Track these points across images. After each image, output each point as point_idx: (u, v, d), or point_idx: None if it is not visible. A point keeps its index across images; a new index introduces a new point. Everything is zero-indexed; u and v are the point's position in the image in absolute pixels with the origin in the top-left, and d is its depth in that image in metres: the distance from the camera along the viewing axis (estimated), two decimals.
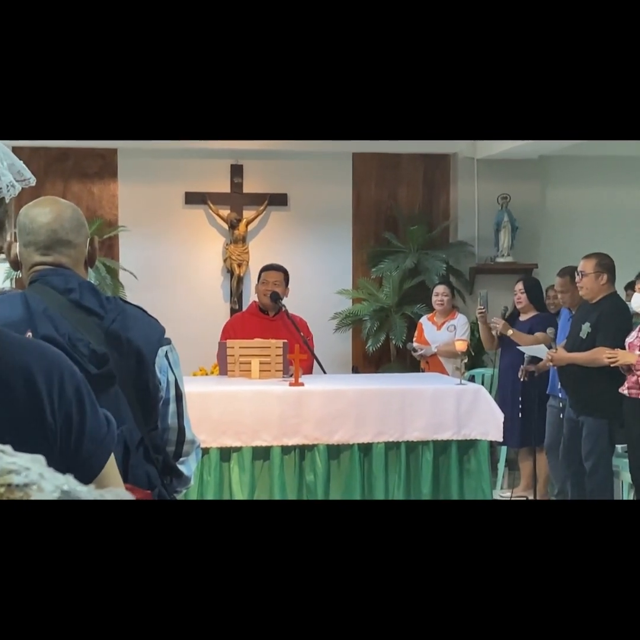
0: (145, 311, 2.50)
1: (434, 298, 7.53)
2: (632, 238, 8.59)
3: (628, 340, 5.52)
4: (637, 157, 8.63)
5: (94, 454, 1.56)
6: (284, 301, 6.26)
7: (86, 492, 0.87)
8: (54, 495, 0.84)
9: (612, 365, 5.49)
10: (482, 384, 7.03)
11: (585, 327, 5.80)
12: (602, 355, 5.58)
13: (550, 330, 6.42)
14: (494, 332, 6.90)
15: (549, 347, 6.26)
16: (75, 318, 2.30)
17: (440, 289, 7.55)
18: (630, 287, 6.20)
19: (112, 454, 1.62)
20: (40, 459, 0.91)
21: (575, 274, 5.93)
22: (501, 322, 6.77)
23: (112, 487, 1.53)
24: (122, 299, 2.54)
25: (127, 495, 0.98)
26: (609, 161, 8.68)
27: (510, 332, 6.67)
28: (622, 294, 6.49)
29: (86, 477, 1.53)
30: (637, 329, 5.54)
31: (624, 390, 5.46)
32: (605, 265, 5.82)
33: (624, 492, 6.05)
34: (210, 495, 5.14)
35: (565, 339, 6.15)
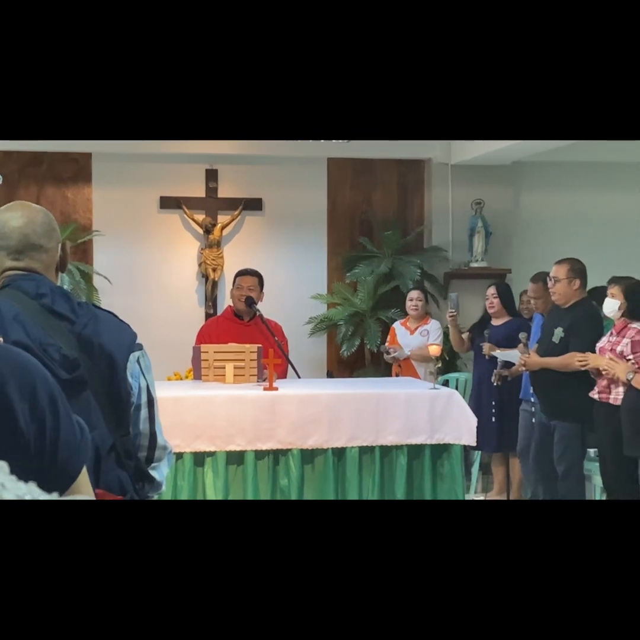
0: (116, 316, 2.50)
1: (408, 303, 7.56)
2: (604, 244, 8.66)
3: (599, 344, 5.56)
4: (609, 163, 8.71)
5: (69, 462, 1.56)
6: (259, 306, 6.26)
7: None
8: None
9: (583, 368, 5.53)
10: (456, 388, 7.05)
11: (558, 332, 5.83)
12: (574, 359, 5.61)
13: (522, 334, 6.45)
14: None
15: (522, 352, 6.29)
16: (47, 323, 2.30)
17: (414, 294, 7.58)
18: (594, 292, 6.25)
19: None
20: (2, 466, 0.90)
21: (548, 279, 5.97)
22: (487, 345, 6.75)
23: (81, 496, 1.53)
24: (94, 304, 2.54)
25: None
26: (582, 167, 8.75)
27: (497, 352, 6.65)
28: None
29: (62, 484, 1.53)
30: (608, 333, 5.57)
31: (594, 394, 5.50)
32: (578, 270, 5.87)
33: (596, 495, 6.09)
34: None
35: (537, 343, 6.19)
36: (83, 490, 1.58)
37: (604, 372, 5.27)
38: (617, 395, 5.32)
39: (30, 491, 0.87)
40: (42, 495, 0.88)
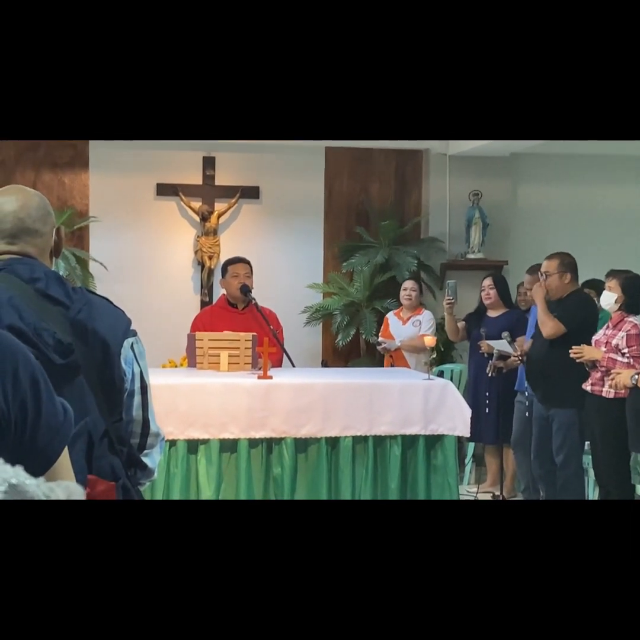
0: (111, 302, 2.49)
1: (402, 293, 7.57)
2: (602, 236, 8.66)
3: (595, 337, 5.56)
4: (607, 155, 8.69)
5: (50, 443, 1.55)
6: (254, 293, 6.25)
7: (35, 485, 0.86)
8: (1, 489, 0.83)
9: (577, 360, 5.53)
10: (451, 379, 7.06)
11: None
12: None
13: (505, 334, 6.43)
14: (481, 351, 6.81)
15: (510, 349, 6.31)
16: (41, 307, 2.29)
17: (408, 283, 7.58)
18: (589, 283, 6.25)
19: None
20: None
21: (539, 274, 5.98)
22: (484, 344, 6.73)
23: (63, 480, 1.52)
24: (89, 289, 2.52)
25: (77, 489, 0.97)
26: (580, 159, 8.74)
27: (492, 342, 6.63)
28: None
29: (42, 466, 1.53)
30: (605, 326, 5.57)
31: (587, 386, 5.50)
32: (568, 264, 5.90)
33: (590, 490, 6.10)
34: (176, 488, 5.13)
35: (532, 337, 6.20)
36: (63, 473, 1.58)
37: (610, 380, 5.26)
38: (609, 388, 5.32)
39: (17, 474, 0.86)
40: (28, 479, 0.87)
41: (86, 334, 2.34)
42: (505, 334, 6.44)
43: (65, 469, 1.59)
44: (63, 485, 0.93)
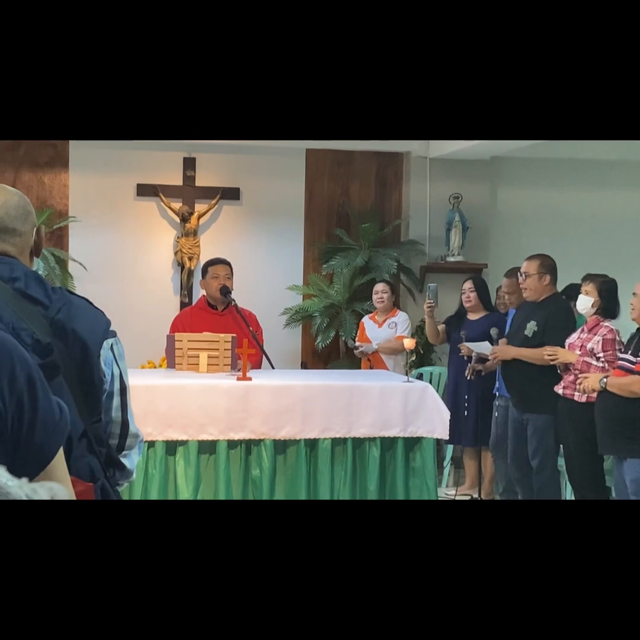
0: (91, 303, 2.48)
1: (374, 296, 7.58)
2: (581, 240, 8.70)
3: (568, 340, 5.59)
4: (586, 160, 8.74)
5: (46, 442, 1.55)
6: (233, 295, 6.25)
7: (17, 486, 0.85)
8: None
9: (551, 362, 5.56)
10: (430, 382, 7.07)
11: (531, 326, 5.87)
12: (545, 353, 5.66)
13: (493, 330, 6.46)
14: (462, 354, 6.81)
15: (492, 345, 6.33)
16: (20, 307, 2.28)
17: (380, 286, 7.59)
18: (569, 289, 6.29)
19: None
20: None
21: (519, 274, 6.01)
22: (465, 347, 6.74)
23: (59, 479, 1.52)
24: (69, 290, 2.51)
25: (61, 490, 0.97)
26: (560, 164, 8.78)
27: (472, 344, 6.64)
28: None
29: (38, 465, 1.52)
30: (579, 330, 5.60)
31: (559, 389, 5.53)
32: (548, 265, 5.92)
33: (567, 492, 6.12)
34: (155, 489, 5.11)
35: (505, 337, 6.22)
36: (58, 472, 1.57)
37: (578, 384, 5.28)
38: (580, 393, 5.35)
39: (0, 474, 0.86)
40: (11, 480, 0.86)
41: (65, 334, 2.32)
42: (493, 330, 6.45)
43: (60, 469, 1.59)
44: (47, 486, 0.92)
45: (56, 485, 0.97)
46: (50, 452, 1.56)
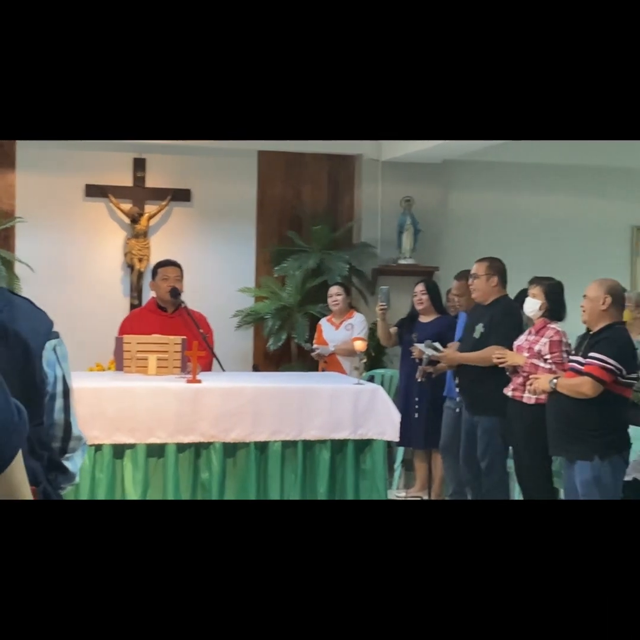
0: (33, 303, 2.43)
1: (329, 299, 7.58)
2: (531, 244, 8.77)
3: (516, 343, 5.62)
4: (537, 164, 8.82)
5: (6, 444, 1.52)
6: (184, 297, 6.21)
7: None
8: None
9: (500, 365, 5.59)
10: (382, 384, 7.07)
11: (479, 328, 5.91)
12: (492, 354, 5.68)
13: (427, 342, 6.42)
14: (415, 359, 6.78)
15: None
16: None
17: (334, 289, 7.59)
18: (522, 294, 6.33)
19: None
20: None
21: (469, 276, 6.06)
22: (416, 349, 6.72)
23: (19, 482, 1.49)
24: (10, 290, 2.47)
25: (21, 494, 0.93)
26: (510, 167, 8.85)
27: (422, 345, 6.63)
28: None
29: None
30: (526, 332, 5.64)
31: (508, 391, 5.56)
32: (496, 268, 5.98)
33: (515, 493, 6.15)
34: (101, 493, 5.05)
35: (459, 341, 6.25)
36: (17, 475, 1.54)
37: (529, 385, 5.30)
38: (530, 394, 5.38)
39: None
40: None
41: (7, 335, 2.28)
42: (427, 342, 6.44)
43: (18, 471, 1.55)
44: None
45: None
46: (9, 454, 1.53)
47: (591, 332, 5.00)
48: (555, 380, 5.02)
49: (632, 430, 5.10)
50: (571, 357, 5.14)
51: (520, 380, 5.47)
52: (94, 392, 5.07)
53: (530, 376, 5.31)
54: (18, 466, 1.56)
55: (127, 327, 6.19)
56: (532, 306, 5.55)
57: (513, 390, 5.52)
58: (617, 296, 4.98)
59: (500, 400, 5.62)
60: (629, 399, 5.06)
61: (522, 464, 5.55)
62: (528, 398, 5.39)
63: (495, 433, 5.82)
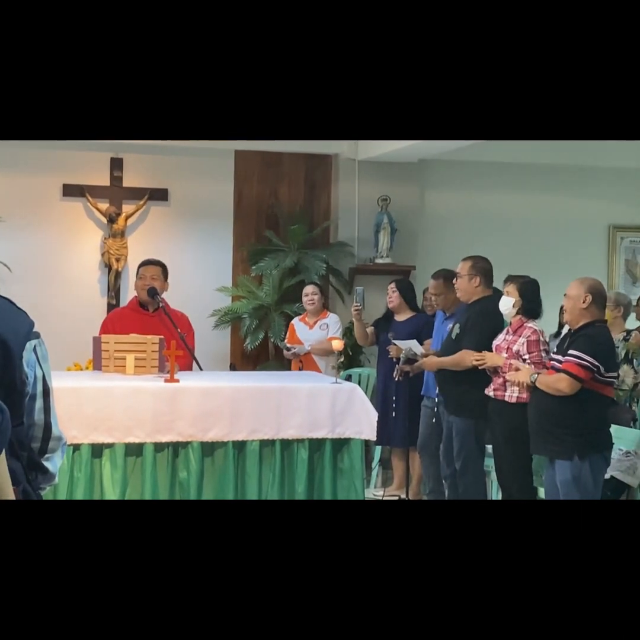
0: (13, 303, 2.44)
1: (304, 299, 7.59)
2: (507, 242, 8.81)
3: (495, 342, 5.61)
4: (512, 163, 8.87)
5: None
6: (164, 295, 6.20)
7: None
8: None
9: (479, 367, 5.58)
10: (359, 383, 7.10)
11: (455, 328, 5.91)
12: (467, 357, 5.67)
13: (406, 349, 6.44)
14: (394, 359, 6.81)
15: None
16: None
17: (309, 289, 7.61)
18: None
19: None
20: None
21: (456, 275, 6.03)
22: (394, 348, 6.75)
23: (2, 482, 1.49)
24: None
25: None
26: (487, 167, 8.90)
27: (400, 343, 6.66)
28: None
29: None
30: (505, 331, 5.62)
31: (489, 391, 5.55)
32: (480, 268, 5.91)
33: (494, 491, 6.19)
34: (80, 492, 5.04)
35: (442, 341, 6.26)
36: (1, 475, 1.54)
37: (508, 377, 5.32)
38: (512, 393, 5.39)
39: None
40: None
41: None
42: (407, 349, 6.46)
43: (2, 470, 1.56)
44: None
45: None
46: None
47: (571, 331, 5.02)
48: (536, 376, 5.05)
49: (614, 429, 5.13)
50: (552, 356, 5.16)
51: (500, 380, 5.46)
52: (73, 391, 5.06)
53: (511, 366, 5.30)
54: (1, 466, 1.57)
55: (108, 325, 6.19)
56: (506, 304, 5.52)
57: (494, 390, 5.51)
58: (597, 295, 4.98)
59: (478, 401, 5.61)
60: (610, 398, 5.07)
61: (503, 462, 5.55)
62: (509, 397, 5.39)
63: (469, 435, 5.82)
